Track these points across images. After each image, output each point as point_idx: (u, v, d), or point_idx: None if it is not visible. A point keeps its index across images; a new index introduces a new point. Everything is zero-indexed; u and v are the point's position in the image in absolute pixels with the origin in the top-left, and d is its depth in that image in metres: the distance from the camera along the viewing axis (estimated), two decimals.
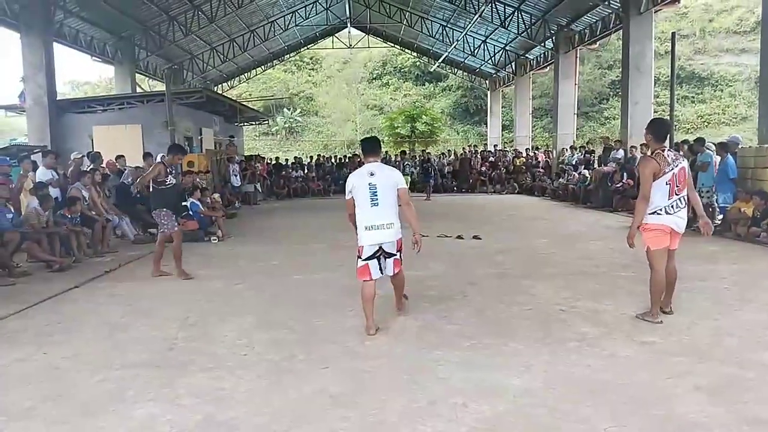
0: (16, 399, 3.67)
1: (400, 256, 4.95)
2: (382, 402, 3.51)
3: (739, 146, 11.38)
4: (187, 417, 3.36)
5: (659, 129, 5.11)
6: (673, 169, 4.83)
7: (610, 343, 4.48)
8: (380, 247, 4.78)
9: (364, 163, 5.05)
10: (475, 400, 3.50)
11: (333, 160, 25.40)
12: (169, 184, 7.33)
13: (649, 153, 5.07)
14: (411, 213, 4.93)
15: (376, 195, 4.74)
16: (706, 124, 33.35)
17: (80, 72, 47.11)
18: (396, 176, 4.93)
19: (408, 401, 3.50)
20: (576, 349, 4.37)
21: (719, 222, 10.06)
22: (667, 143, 5.19)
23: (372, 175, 4.79)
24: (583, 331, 4.79)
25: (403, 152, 25.11)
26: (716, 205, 10.29)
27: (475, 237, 9.96)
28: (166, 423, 3.29)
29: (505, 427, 3.17)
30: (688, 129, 31.70)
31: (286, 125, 41.72)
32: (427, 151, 27.01)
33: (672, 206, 4.84)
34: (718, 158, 10.43)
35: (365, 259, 4.79)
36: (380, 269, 4.86)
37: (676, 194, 4.85)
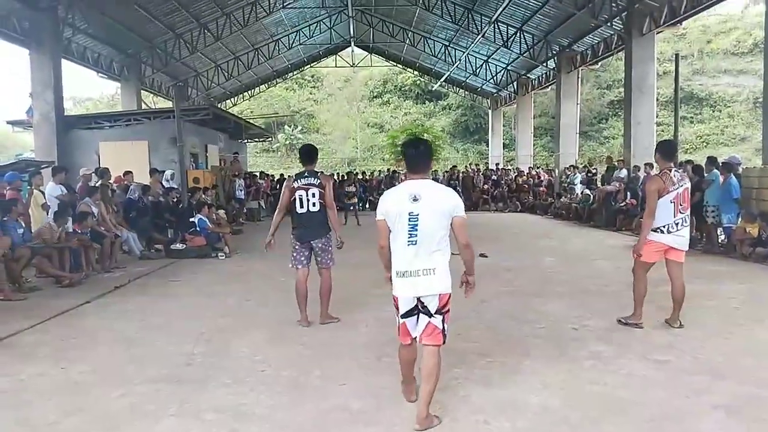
0: (40, 413, 3.69)
1: (443, 324, 3.54)
2: (404, 419, 3.53)
3: (741, 166, 11.46)
4: None
5: (668, 149, 5.52)
6: (678, 188, 5.14)
7: (625, 361, 4.51)
8: (419, 301, 3.54)
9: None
10: (496, 417, 3.53)
11: (335, 177, 25.48)
12: None
13: (654, 172, 5.34)
14: (468, 256, 3.67)
15: (416, 229, 3.40)
16: (705, 144, 33.61)
17: (82, 88, 47.07)
18: (451, 201, 3.47)
19: None
20: (592, 367, 4.41)
21: (724, 241, 10.14)
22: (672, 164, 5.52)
23: (416, 200, 3.39)
24: (598, 349, 4.83)
25: (394, 172, 24.00)
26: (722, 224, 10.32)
27: (481, 255, 9.97)
28: None
29: None
30: (687, 149, 31.94)
31: (287, 142, 41.95)
32: (456, 168, 25.05)
33: (675, 224, 5.15)
34: (721, 178, 10.46)
35: (403, 316, 3.59)
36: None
37: (681, 213, 5.15)
